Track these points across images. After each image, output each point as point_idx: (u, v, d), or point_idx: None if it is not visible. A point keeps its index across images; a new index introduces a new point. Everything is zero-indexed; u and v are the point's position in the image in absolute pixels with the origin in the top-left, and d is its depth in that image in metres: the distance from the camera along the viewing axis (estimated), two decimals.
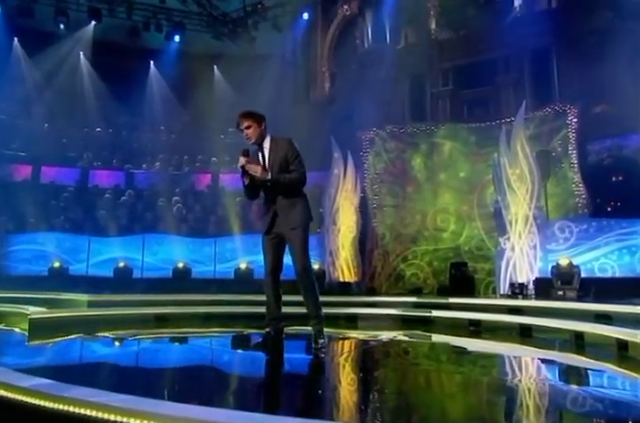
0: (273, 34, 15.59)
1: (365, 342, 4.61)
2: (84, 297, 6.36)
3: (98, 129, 15.49)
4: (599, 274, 6.78)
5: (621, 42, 12.42)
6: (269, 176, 3.56)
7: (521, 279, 7.25)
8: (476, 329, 5.41)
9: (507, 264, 7.47)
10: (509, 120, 10.88)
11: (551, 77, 12.64)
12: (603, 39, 12.32)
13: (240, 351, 4.27)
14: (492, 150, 10.81)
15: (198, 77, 16.29)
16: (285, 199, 3.62)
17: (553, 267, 6.60)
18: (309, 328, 3.82)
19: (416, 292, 9.96)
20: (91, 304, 6.24)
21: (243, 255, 9.04)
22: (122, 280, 8.53)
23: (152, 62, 16.94)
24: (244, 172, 3.61)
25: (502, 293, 7.54)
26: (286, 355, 3.72)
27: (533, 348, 4.24)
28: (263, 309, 6.48)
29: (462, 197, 10.72)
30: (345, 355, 4.00)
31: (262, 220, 3.79)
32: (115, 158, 14.45)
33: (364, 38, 15.62)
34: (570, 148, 9.82)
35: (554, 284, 6.49)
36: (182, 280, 8.42)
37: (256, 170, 3.56)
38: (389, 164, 11.49)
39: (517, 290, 7.11)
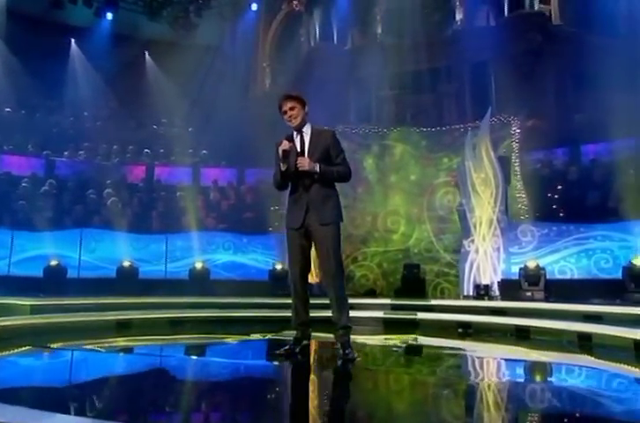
0: (217, 24, 14.86)
1: (386, 348, 4.36)
2: (25, 301, 5.41)
3: (7, 110, 13.66)
4: (558, 276, 7.19)
5: (549, 64, 13.50)
6: (317, 168, 3.22)
7: (485, 281, 7.46)
8: (465, 331, 5.41)
9: (471, 266, 7.65)
10: (458, 126, 11.35)
11: (489, 89, 13.39)
12: (534, 59, 13.30)
13: (251, 365, 3.77)
14: (442, 155, 11.19)
15: (129, 62, 15.07)
16: (319, 192, 3.29)
17: (521, 269, 6.88)
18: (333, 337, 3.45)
19: (370, 293, 9.95)
20: (35, 310, 5.32)
21: (196, 253, 8.37)
22: (55, 281, 7.46)
23: (73, 40, 15.32)
24: (284, 157, 3.25)
25: (465, 294, 7.71)
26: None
27: (552, 352, 4.25)
28: (241, 313, 6.08)
29: (412, 200, 10.92)
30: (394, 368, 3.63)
31: (290, 213, 3.40)
32: (31, 143, 12.80)
33: (310, 36, 15.44)
34: (514, 157, 10.39)
35: (521, 285, 6.74)
36: (128, 281, 7.55)
37: (302, 162, 3.22)
38: None
39: (482, 291, 7.30)
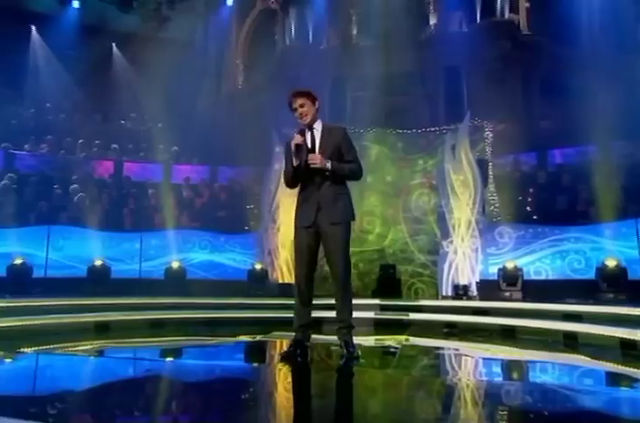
0: (191, 18, 14.51)
1: (385, 348, 4.33)
2: None
3: None
4: (534, 276, 7.39)
5: (517, 70, 13.92)
6: (328, 165, 3.16)
7: (463, 281, 7.58)
8: (450, 330, 5.48)
9: (450, 267, 7.76)
10: (433, 129, 11.53)
11: (462, 94, 13.67)
12: (504, 65, 13.69)
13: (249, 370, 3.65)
14: (417, 157, 11.34)
15: (95, 54, 14.50)
16: (330, 190, 3.22)
17: (499, 269, 7.03)
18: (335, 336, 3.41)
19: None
20: (4, 312, 4.98)
21: (171, 252, 8.10)
22: (20, 281, 7.04)
23: (34, 27, 14.60)
24: (297, 151, 3.17)
25: (444, 294, 7.81)
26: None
27: (545, 352, 4.33)
28: (224, 314, 5.92)
29: (388, 201, 11.00)
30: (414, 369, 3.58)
31: (300, 211, 3.32)
32: None
33: (285, 34, 15.31)
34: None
35: (500, 285, 6.88)
36: (100, 281, 7.21)
37: (314, 158, 3.14)
38: None
39: (461, 291, 7.42)
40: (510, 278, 6.83)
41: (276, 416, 2.11)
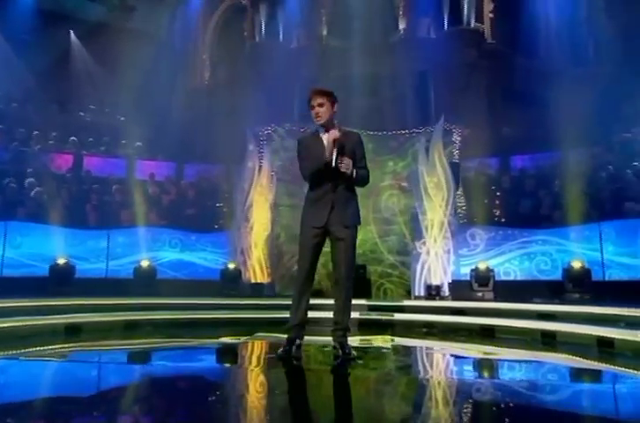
0: (158, 9, 14.04)
1: (377, 349, 4.30)
2: None
3: None
4: (503, 277, 7.63)
5: (482, 78, 14.38)
6: (354, 172, 3.16)
7: (435, 282, 7.72)
8: (430, 330, 5.56)
9: (422, 267, 7.88)
10: (404, 132, 11.71)
11: (429, 98, 13.97)
12: (470, 72, 14.12)
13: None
14: (387, 158, 11.48)
15: (53, 41, 13.79)
16: (344, 193, 3.22)
17: (472, 270, 7.20)
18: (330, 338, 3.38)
19: (317, 294, 9.90)
20: None
21: (140, 251, 7.78)
22: None
23: None
24: (331, 147, 3.11)
25: (416, 294, 7.93)
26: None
27: (530, 351, 4.46)
28: (199, 315, 5.73)
29: (358, 201, 11.05)
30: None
31: (312, 211, 3.26)
32: None
33: (255, 31, 15.11)
34: None
35: (472, 286, 7.05)
36: (64, 280, 6.81)
37: (347, 163, 3.10)
38: (287, 162, 11.24)
39: (434, 292, 7.55)
40: (482, 279, 7.02)
41: (274, 417, 2.04)
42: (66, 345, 4.36)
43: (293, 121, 12.82)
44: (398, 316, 5.79)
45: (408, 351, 4.23)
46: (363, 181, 3.31)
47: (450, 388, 2.66)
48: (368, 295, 8.74)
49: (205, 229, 8.93)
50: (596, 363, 3.80)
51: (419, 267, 7.98)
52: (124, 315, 5.29)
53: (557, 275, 7.19)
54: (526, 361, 3.76)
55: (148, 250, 7.83)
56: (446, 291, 7.59)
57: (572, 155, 10.67)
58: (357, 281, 9.64)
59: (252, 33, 15.15)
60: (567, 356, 3.96)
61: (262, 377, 3.00)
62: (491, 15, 15.37)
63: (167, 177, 11.87)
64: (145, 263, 7.29)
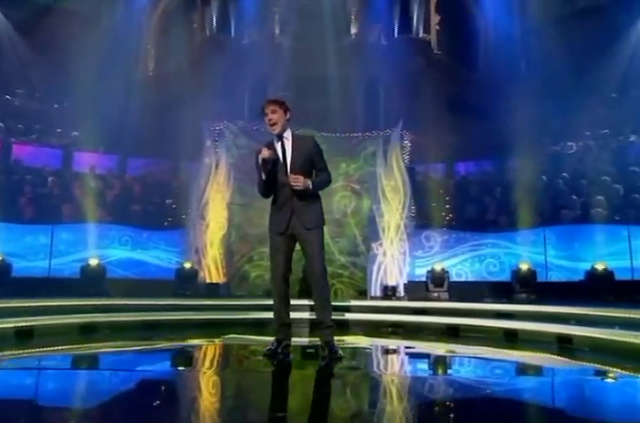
0: None
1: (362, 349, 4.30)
2: None
3: None
4: (455, 278, 7.95)
5: (429, 86, 14.94)
6: (310, 187, 3.21)
7: (391, 282, 7.90)
8: (394, 330, 5.69)
9: (379, 268, 8.03)
10: (356, 134, 11.87)
11: (379, 102, 14.30)
12: (418, 79, 14.62)
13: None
14: (340, 160, 11.57)
15: None
16: (303, 198, 3.28)
17: (428, 271, 7.44)
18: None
19: (269, 294, 9.77)
20: None
21: (86, 248, 7.25)
22: None
23: None
24: (264, 165, 3.19)
25: (372, 295, 8.06)
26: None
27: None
28: (161, 317, 5.44)
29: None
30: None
31: (274, 218, 3.35)
32: None
33: (206, 24, 14.68)
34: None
35: (427, 286, 7.29)
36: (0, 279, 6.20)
37: (298, 181, 3.15)
38: (239, 160, 11.02)
39: (390, 292, 7.72)
40: (438, 280, 7.28)
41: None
42: (17, 352, 3.96)
43: (244, 118, 12.61)
44: (359, 317, 5.84)
45: (385, 351, 4.29)
46: (324, 186, 3.39)
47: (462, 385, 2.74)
48: None
49: (157, 226, 8.51)
50: (566, 359, 4.06)
51: (375, 268, 8.12)
52: (79, 317, 4.89)
53: (505, 276, 7.62)
54: (501, 360, 3.94)
55: (95, 248, 7.32)
56: (402, 291, 7.78)
57: (511, 164, 11.39)
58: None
59: (202, 26, 14.72)
60: (541, 354, 4.19)
61: (247, 379, 2.92)
62: (437, 27, 16.05)
63: (109, 170, 11.20)
64: (93, 262, 6.79)
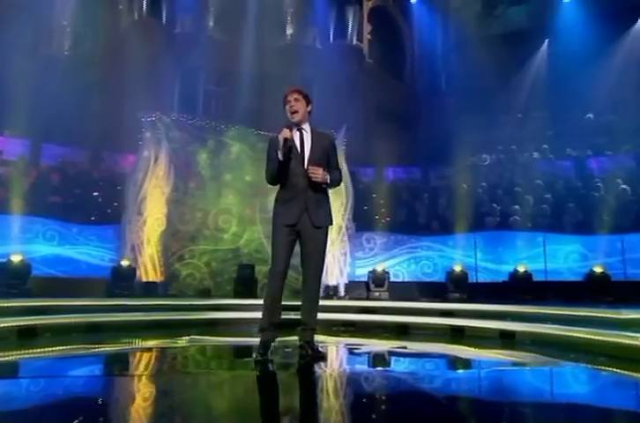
0: None
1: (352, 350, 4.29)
2: None
3: None
4: (393, 279, 8.28)
5: (360, 92, 15.40)
6: (328, 179, 3.19)
7: (332, 282, 8.04)
8: (347, 329, 5.83)
9: None
10: None
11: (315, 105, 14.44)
12: (350, 85, 15.01)
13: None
14: None
15: None
16: (316, 194, 3.23)
17: (370, 272, 7.69)
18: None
19: (204, 294, 9.45)
20: None
21: (5, 243, 6.46)
22: None
23: None
24: (284, 146, 3.09)
25: None
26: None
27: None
28: (108, 318, 5.03)
29: (245, 200, 10.87)
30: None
31: (284, 209, 3.22)
32: None
33: (134, 7, 13.78)
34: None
35: (369, 286, 7.54)
36: None
37: (317, 173, 3.11)
38: (172, 155, 10.55)
39: (331, 292, 7.87)
40: (379, 280, 7.55)
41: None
42: None
43: (174, 109, 12.11)
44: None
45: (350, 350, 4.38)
46: (338, 183, 3.38)
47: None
48: (254, 295, 8.67)
49: (86, 221, 7.83)
50: (512, 352, 4.44)
51: None
52: (13, 320, 4.38)
53: (438, 277, 8.11)
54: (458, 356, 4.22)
55: (15, 243, 6.56)
56: (342, 291, 7.96)
57: (436, 171, 12.14)
58: (244, 281, 9.54)
59: (131, 9, 13.82)
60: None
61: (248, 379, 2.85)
62: (369, 36, 16.62)
63: (19, 156, 10.10)
64: (16, 258, 6.06)
